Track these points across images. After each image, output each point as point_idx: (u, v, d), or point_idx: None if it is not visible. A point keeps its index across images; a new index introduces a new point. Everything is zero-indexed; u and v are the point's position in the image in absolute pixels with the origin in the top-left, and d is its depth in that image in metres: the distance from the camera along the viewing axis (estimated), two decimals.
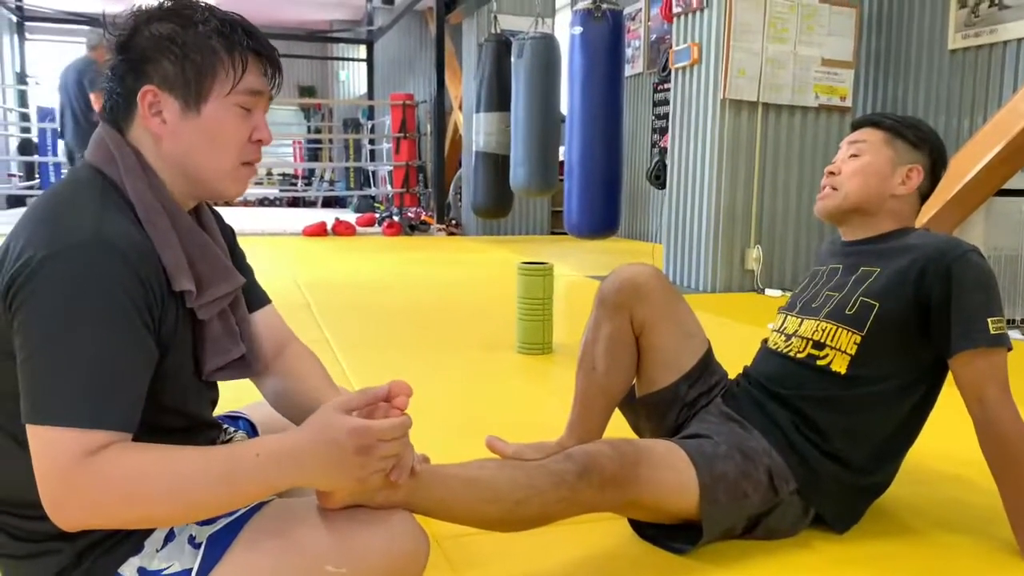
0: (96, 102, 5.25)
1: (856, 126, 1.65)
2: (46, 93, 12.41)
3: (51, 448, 0.85)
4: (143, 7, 1.01)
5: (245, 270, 1.21)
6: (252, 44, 1.02)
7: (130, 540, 0.97)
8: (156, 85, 0.98)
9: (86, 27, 11.30)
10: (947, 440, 1.91)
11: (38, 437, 0.86)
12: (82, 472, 0.85)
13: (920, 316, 1.47)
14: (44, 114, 11.08)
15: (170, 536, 0.99)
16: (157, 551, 0.98)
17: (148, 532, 0.99)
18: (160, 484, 0.88)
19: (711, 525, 1.41)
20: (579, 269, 5.84)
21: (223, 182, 1.04)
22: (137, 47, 0.99)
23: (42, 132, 10.90)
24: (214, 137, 1.01)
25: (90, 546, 0.96)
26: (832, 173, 1.62)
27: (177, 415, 1.01)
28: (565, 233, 5.83)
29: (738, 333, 3.60)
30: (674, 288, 1.70)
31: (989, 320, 1.41)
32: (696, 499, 1.39)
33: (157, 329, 0.95)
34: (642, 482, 1.36)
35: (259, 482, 0.93)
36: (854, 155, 1.60)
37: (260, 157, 1.08)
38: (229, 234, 1.20)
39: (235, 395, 1.36)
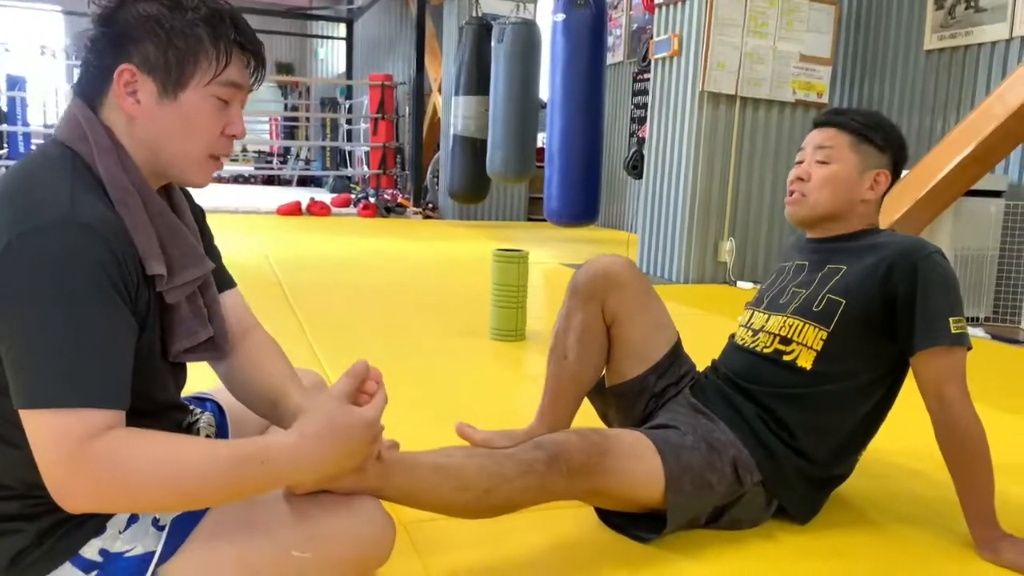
0: None
1: (820, 124, 1.64)
2: (16, 61, 12.14)
3: (51, 432, 0.84)
4: None
5: (213, 252, 1.20)
6: (238, 37, 1.00)
7: (92, 522, 0.96)
8: (136, 65, 0.96)
9: None
10: (905, 435, 1.95)
11: (35, 422, 0.85)
12: (85, 455, 0.84)
13: (885, 313, 1.49)
14: (13, 82, 10.82)
15: (133, 518, 0.99)
16: (120, 532, 0.97)
17: (111, 513, 0.98)
18: (160, 476, 0.87)
19: (676, 514, 1.43)
20: (554, 257, 5.85)
21: (189, 170, 1.03)
22: (121, 23, 0.96)
23: (11, 101, 10.65)
24: (187, 125, 0.99)
25: (51, 527, 0.95)
26: (801, 179, 1.61)
27: (144, 397, 1.00)
28: (542, 219, 5.84)
29: (710, 324, 3.63)
30: (646, 279, 1.71)
31: (951, 320, 1.44)
32: (662, 489, 1.41)
33: (133, 308, 0.94)
34: (609, 471, 1.37)
35: (265, 484, 0.95)
36: (822, 161, 1.59)
37: (230, 152, 1.07)
38: (199, 214, 1.19)
39: (201, 377, 1.35)
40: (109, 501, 0.88)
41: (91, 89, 0.99)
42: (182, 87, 0.98)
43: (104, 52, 0.97)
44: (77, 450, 0.84)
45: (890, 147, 1.60)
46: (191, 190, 1.19)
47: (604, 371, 1.73)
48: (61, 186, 0.91)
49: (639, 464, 1.41)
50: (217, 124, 1.01)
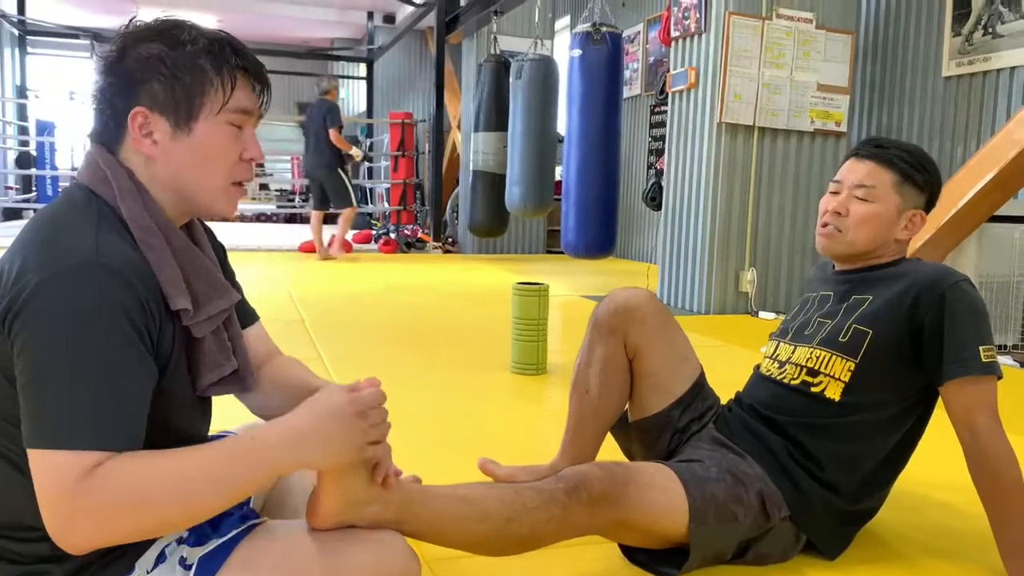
0: (335, 137, 6.93)
1: (862, 156, 1.58)
2: (46, 106, 12.46)
3: (54, 472, 0.85)
4: (130, 28, 1.01)
5: (234, 287, 1.22)
6: (240, 62, 1.02)
7: (120, 562, 0.97)
8: (146, 107, 0.98)
9: (87, 41, 11.37)
10: (936, 466, 1.91)
11: (41, 461, 0.86)
12: (84, 490, 0.84)
13: (913, 343, 1.48)
14: (43, 127, 11.09)
15: (161, 557, 0.99)
16: (148, 572, 0.98)
17: (139, 553, 0.98)
18: (164, 487, 0.88)
19: (699, 547, 1.41)
20: (574, 289, 5.85)
21: (215, 201, 1.05)
22: (126, 69, 0.99)
23: (40, 145, 10.90)
24: (205, 156, 1.01)
25: (80, 568, 0.95)
26: (839, 214, 1.57)
27: (174, 432, 1.01)
28: (561, 252, 5.86)
29: (732, 356, 3.60)
30: (668, 312, 1.71)
31: (981, 348, 1.42)
32: (686, 521, 1.39)
33: (155, 349, 0.95)
34: (632, 502, 1.36)
35: (263, 466, 0.94)
36: (861, 198, 1.55)
37: (252, 176, 1.09)
38: (220, 251, 1.21)
39: (226, 412, 1.36)
40: (113, 529, 0.87)
41: (107, 135, 1.02)
42: (194, 119, 1.00)
43: (114, 99, 0.99)
44: (76, 486, 0.84)
45: (929, 187, 1.58)
46: (213, 228, 1.21)
47: (627, 405, 1.72)
48: (86, 229, 0.93)
49: (662, 495, 1.39)
50: (234, 150, 1.04)
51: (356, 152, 7.28)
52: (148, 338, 0.93)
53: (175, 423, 1.02)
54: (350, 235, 9.28)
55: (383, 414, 1.03)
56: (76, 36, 11.35)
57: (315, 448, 0.97)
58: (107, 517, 0.86)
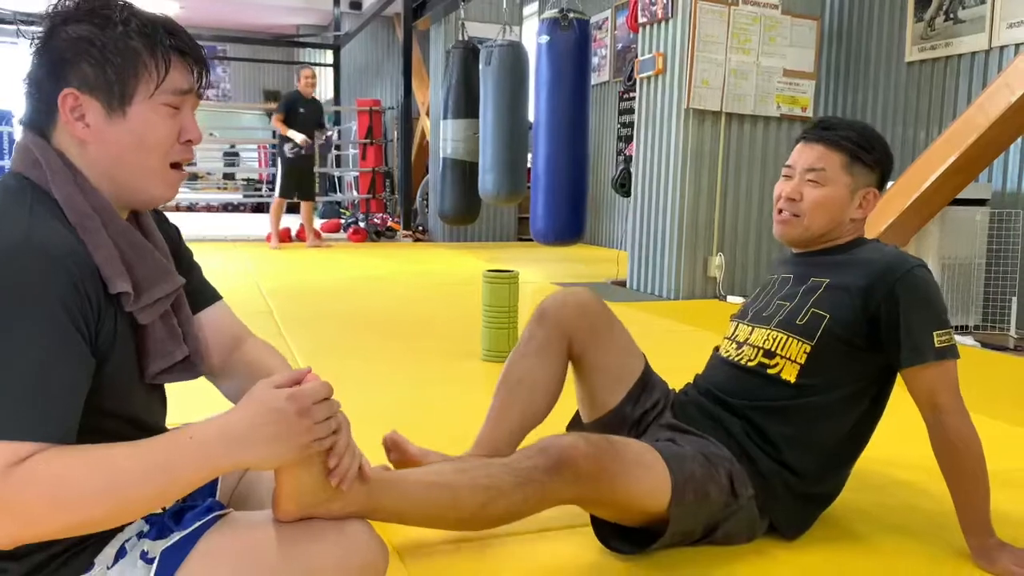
0: (276, 122, 7.25)
1: (809, 140, 1.61)
2: (1, 96, 12.10)
3: None
4: (58, 7, 0.97)
5: (192, 268, 1.19)
6: (175, 43, 0.99)
7: (79, 558, 0.95)
8: (76, 88, 0.95)
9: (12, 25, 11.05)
10: (897, 445, 1.95)
11: None
12: (8, 482, 0.81)
13: (869, 329, 1.50)
14: None
15: (121, 552, 0.97)
16: (108, 568, 0.96)
17: (98, 549, 0.97)
18: (92, 483, 0.84)
19: (676, 524, 1.40)
20: (545, 276, 5.86)
21: (151, 185, 1.01)
22: (54, 50, 0.95)
23: None
24: (141, 139, 0.98)
25: (38, 566, 0.93)
26: (792, 199, 1.59)
27: (124, 421, 0.99)
28: (532, 239, 5.86)
29: (701, 340, 3.64)
30: (610, 310, 1.71)
31: (935, 334, 1.45)
32: (666, 498, 1.38)
33: (95, 335, 0.92)
34: (617, 478, 1.34)
35: (199, 465, 0.90)
36: (813, 181, 1.57)
37: (191, 157, 1.05)
38: (174, 233, 1.18)
39: (187, 398, 1.34)
40: (39, 525, 0.84)
41: (39, 120, 0.98)
42: (128, 102, 0.97)
43: (43, 81, 0.96)
44: (0, 480, 0.81)
45: (880, 166, 1.59)
46: (179, 215, 1.18)
47: (580, 409, 1.73)
48: (18, 213, 0.91)
49: (647, 473, 1.38)
50: (171, 132, 1.00)
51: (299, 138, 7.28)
52: (83, 324, 0.90)
53: (125, 412, 1.00)
54: (318, 224, 9.21)
55: (330, 408, 0.97)
56: (28, 23, 11.04)
57: (254, 449, 0.92)
58: (29, 512, 0.82)
